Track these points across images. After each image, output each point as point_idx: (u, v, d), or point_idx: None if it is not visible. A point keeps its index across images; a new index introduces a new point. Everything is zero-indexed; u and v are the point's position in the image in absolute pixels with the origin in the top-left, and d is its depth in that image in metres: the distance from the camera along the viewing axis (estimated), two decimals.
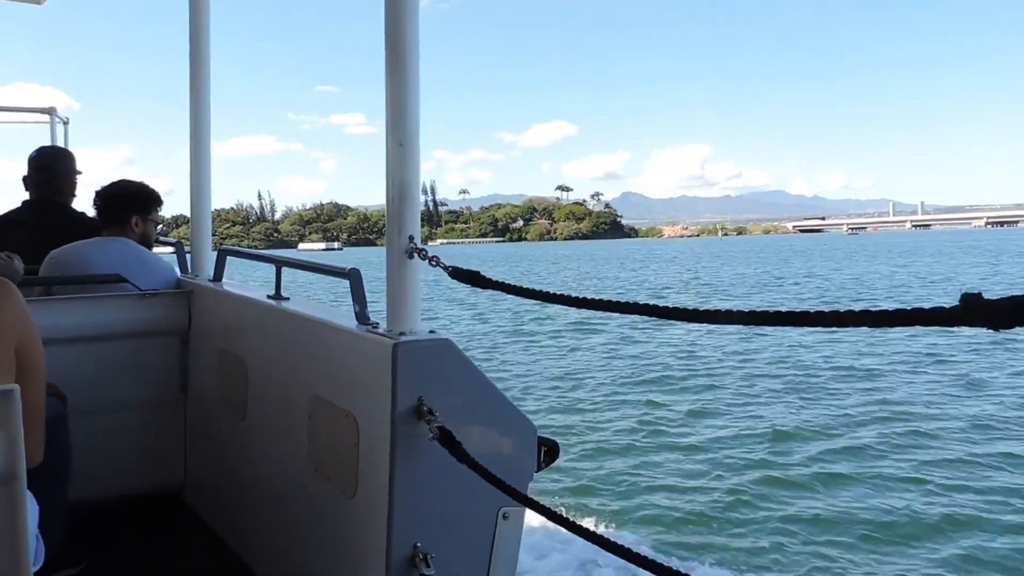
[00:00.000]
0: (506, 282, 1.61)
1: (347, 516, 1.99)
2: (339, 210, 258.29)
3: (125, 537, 2.95)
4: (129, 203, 3.40)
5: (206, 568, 2.75)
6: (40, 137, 7.59)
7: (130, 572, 2.70)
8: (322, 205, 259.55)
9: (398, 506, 1.79)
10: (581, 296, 1.35)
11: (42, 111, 7.80)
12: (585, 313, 21.87)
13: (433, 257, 1.82)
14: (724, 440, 10.77)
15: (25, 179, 3.89)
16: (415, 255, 1.85)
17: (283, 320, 2.49)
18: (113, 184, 3.46)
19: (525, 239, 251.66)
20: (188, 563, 2.80)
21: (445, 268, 1.83)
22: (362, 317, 2.03)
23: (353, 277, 2.10)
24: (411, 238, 1.85)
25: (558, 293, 1.42)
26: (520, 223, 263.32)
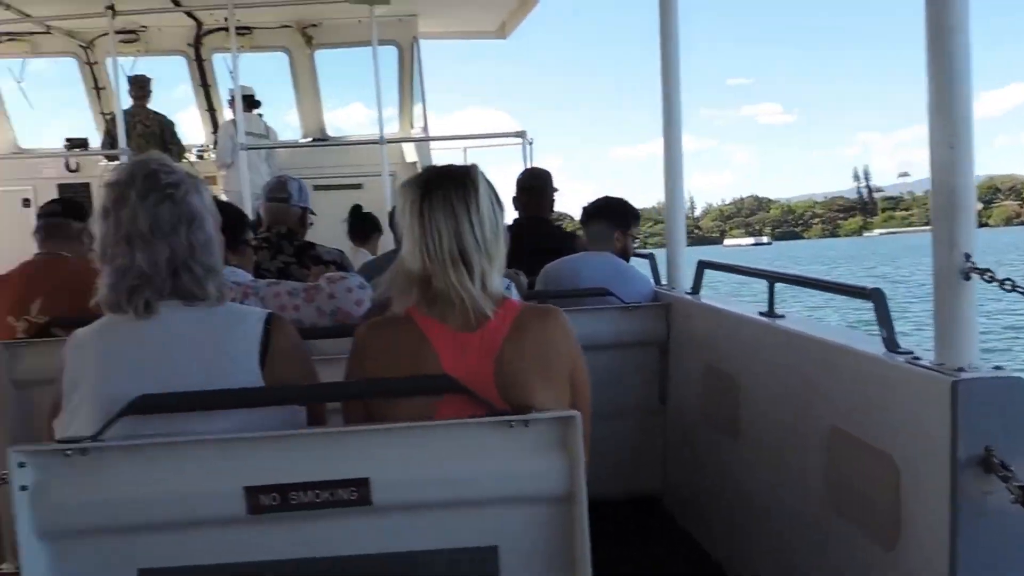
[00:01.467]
0: None
1: (884, 570, 1.77)
2: (760, 203, 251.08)
3: (605, 538, 3.12)
4: (611, 219, 3.61)
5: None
6: (509, 156, 8.76)
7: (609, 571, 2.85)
8: (742, 199, 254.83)
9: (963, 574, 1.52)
10: None
11: (515, 135, 8.97)
12: None
13: (1006, 280, 1.50)
14: None
15: (514, 199, 4.38)
16: (971, 275, 1.57)
17: (784, 340, 2.35)
18: (598, 200, 3.71)
19: (987, 225, 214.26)
20: (669, 569, 2.85)
21: None
22: (891, 344, 1.80)
23: (876, 298, 1.88)
24: (967, 256, 1.58)
25: None
26: (980, 206, 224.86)
